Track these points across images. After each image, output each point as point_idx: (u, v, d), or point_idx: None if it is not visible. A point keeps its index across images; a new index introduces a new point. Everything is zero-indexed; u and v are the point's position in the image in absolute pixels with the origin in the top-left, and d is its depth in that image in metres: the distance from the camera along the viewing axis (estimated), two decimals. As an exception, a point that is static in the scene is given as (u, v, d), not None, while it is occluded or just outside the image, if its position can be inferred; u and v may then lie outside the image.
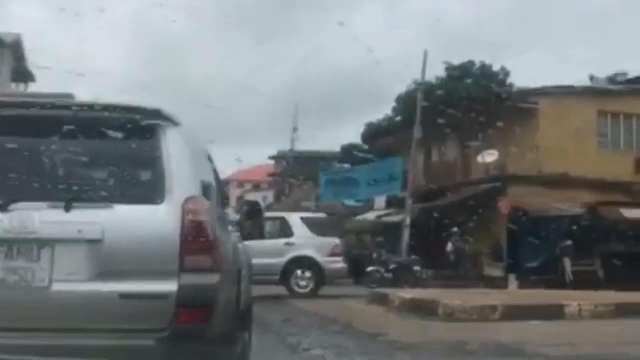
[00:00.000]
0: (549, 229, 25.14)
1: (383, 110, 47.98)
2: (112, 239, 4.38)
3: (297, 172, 51.12)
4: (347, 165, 44.32)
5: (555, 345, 9.22)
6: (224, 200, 6.77)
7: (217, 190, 5.85)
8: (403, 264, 24.85)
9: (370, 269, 25.76)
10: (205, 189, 4.90)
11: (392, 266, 25.04)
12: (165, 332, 4.35)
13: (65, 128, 4.57)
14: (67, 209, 4.40)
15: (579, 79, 33.01)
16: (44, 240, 4.39)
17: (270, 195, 62.58)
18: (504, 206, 26.67)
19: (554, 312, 13.02)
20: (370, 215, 38.06)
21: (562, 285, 22.98)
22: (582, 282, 22.65)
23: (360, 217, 39.32)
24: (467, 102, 31.96)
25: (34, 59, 49.61)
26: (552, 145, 26.87)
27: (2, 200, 4.37)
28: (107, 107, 4.71)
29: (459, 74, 40.64)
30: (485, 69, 42.30)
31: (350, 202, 42.00)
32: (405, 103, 41.80)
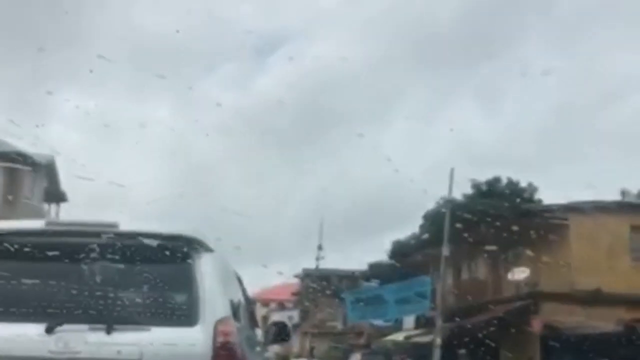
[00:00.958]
0: (584, 347, 24.23)
1: (410, 228, 47.80)
2: (152, 358, 4.79)
3: (323, 290, 50.56)
4: (374, 283, 43.78)
5: None
6: (253, 321, 7.11)
7: (246, 311, 6.40)
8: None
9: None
10: (235, 311, 5.38)
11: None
12: None
13: (109, 254, 5.01)
14: (108, 331, 4.80)
15: (609, 193, 32.72)
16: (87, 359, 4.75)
17: (295, 315, 61.70)
18: (536, 324, 25.94)
19: None
20: (399, 336, 37.24)
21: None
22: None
23: (389, 338, 38.50)
24: (496, 219, 31.67)
25: (69, 175, 50.25)
26: (584, 261, 26.35)
27: (49, 323, 4.77)
28: (147, 235, 5.15)
29: (485, 191, 40.70)
30: (512, 185, 42.36)
31: (379, 322, 41.29)
32: (432, 220, 41.68)
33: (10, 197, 41.95)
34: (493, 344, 27.85)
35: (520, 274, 28.38)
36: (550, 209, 28.13)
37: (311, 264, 52.56)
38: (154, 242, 5.12)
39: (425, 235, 43.65)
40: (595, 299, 26.07)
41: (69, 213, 62.40)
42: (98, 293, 4.95)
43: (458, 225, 29.49)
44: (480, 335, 27.23)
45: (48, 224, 5.33)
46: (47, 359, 4.76)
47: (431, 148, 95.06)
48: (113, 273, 5.03)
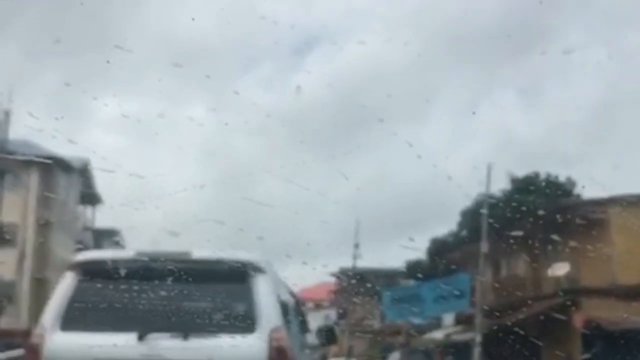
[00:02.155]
0: (628, 343, 23.73)
1: (448, 226, 47.31)
2: None
3: (360, 289, 50.32)
4: (412, 282, 43.46)
5: None
6: (304, 327, 8.49)
7: (296, 319, 7.71)
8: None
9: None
10: (286, 320, 6.71)
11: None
12: None
13: (184, 276, 6.41)
14: (185, 338, 6.23)
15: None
16: None
17: (332, 314, 61.50)
18: (578, 321, 25.49)
19: None
20: (438, 334, 36.86)
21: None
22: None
23: (428, 336, 38.14)
24: (534, 214, 31.27)
25: (105, 177, 50.61)
26: (626, 256, 25.85)
27: (140, 332, 6.19)
28: (214, 261, 6.62)
29: (524, 186, 40.19)
30: (551, 180, 41.78)
31: (417, 320, 40.94)
32: (471, 217, 41.24)
33: (46, 200, 42.42)
34: (534, 341, 27.45)
35: (560, 269, 27.94)
36: (590, 202, 27.62)
37: (348, 263, 52.25)
38: (219, 267, 6.59)
39: (463, 233, 43.29)
40: (637, 293, 25.59)
41: (104, 215, 62.93)
42: (176, 308, 6.40)
43: (496, 221, 29.19)
44: (520, 332, 26.88)
45: (137, 254, 6.69)
46: None
47: (470, 144, 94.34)
48: (188, 292, 6.49)
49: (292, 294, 7.82)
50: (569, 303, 26.57)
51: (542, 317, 25.98)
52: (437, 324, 38.95)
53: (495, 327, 27.69)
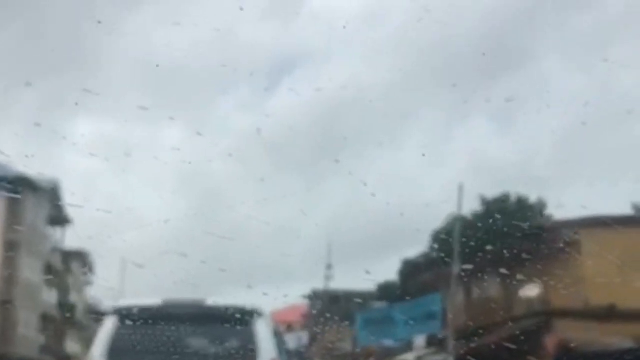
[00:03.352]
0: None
1: (419, 247, 47.22)
2: None
3: (332, 311, 49.95)
4: (383, 304, 43.23)
5: None
6: (287, 355, 9.96)
7: (283, 350, 9.31)
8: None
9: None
10: (279, 352, 8.32)
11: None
12: None
13: (201, 319, 8.12)
14: None
15: (620, 209, 32.15)
16: None
17: (304, 337, 61.03)
18: (550, 343, 25.36)
19: None
20: (410, 356, 36.61)
21: None
22: None
23: (399, 358, 37.86)
24: (506, 236, 31.23)
25: (71, 201, 50.05)
26: (598, 277, 25.74)
27: None
28: (224, 308, 8.29)
29: (494, 209, 40.21)
30: (522, 202, 41.85)
31: (389, 342, 40.67)
32: (442, 239, 41.16)
33: (14, 225, 41.75)
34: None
35: (531, 291, 27.80)
36: (561, 224, 27.57)
37: (320, 285, 52.00)
38: (228, 312, 8.23)
39: (435, 254, 43.18)
40: (610, 315, 25.54)
41: (73, 238, 62.24)
42: (195, 344, 8.07)
43: (468, 242, 29.10)
44: (492, 355, 26.71)
45: (164, 302, 8.36)
46: None
47: (442, 167, 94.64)
48: (204, 331, 8.24)
49: (277, 332, 9.58)
50: (540, 325, 26.48)
51: (514, 340, 25.77)
52: (407, 347, 38.74)
53: (467, 350, 27.51)
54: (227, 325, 8.32)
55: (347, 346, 52.93)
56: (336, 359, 51.30)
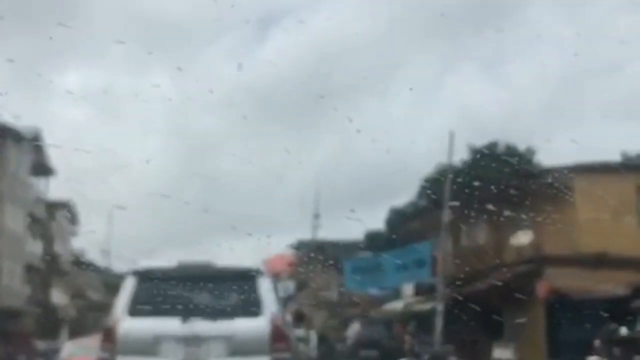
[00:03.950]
0: (592, 312, 23.40)
1: (408, 197, 46.83)
2: (238, 335, 9.02)
3: (319, 261, 49.74)
4: (370, 253, 42.93)
5: None
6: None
7: (284, 306, 10.97)
8: (437, 354, 23.32)
9: (401, 360, 24.32)
10: (280, 307, 9.74)
11: (425, 357, 23.55)
12: None
13: (211, 278, 9.34)
14: (215, 320, 9.03)
15: (609, 157, 31.74)
16: (204, 336, 9.01)
17: (291, 285, 60.81)
18: (541, 289, 25.14)
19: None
20: (398, 304, 36.48)
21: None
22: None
23: (388, 306, 37.74)
24: (496, 182, 30.87)
25: (54, 148, 49.32)
26: (590, 224, 25.51)
27: (183, 317, 9.02)
28: (231, 268, 9.60)
29: (483, 156, 39.78)
30: (511, 149, 41.46)
31: (374, 291, 40.49)
32: (430, 187, 40.80)
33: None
34: (496, 310, 27.11)
35: (523, 237, 27.49)
36: (554, 170, 27.11)
37: (308, 236, 51.69)
38: (235, 272, 9.57)
39: (423, 202, 42.86)
40: (601, 261, 25.31)
41: (58, 188, 61.54)
42: (207, 301, 9.28)
43: (457, 190, 28.68)
44: (483, 301, 26.53)
45: (179, 264, 9.56)
46: (184, 336, 9.02)
47: (431, 117, 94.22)
48: (214, 289, 9.37)
49: (276, 288, 10.38)
50: (531, 272, 26.23)
51: (505, 286, 25.57)
52: (395, 295, 38.60)
53: (456, 297, 27.25)
54: (234, 284, 9.53)
55: (333, 294, 52.93)
56: (323, 307, 51.30)
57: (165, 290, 9.39)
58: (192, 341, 9.08)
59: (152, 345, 9.08)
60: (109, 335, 9.21)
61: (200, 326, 9.07)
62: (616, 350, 21.89)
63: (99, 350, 9.42)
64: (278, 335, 9.19)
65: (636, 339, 21.35)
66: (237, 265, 9.83)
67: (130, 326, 9.15)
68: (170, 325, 9.09)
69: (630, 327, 21.65)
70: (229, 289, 9.48)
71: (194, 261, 9.64)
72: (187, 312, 9.15)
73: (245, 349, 9.03)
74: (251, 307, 9.25)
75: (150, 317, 9.20)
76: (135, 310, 9.28)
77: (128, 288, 9.52)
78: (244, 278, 9.49)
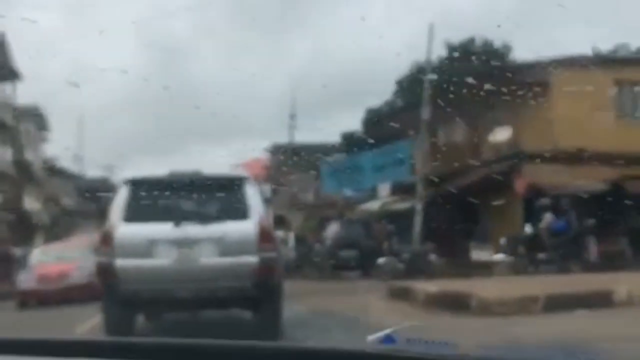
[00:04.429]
0: (569, 207, 23.46)
1: (384, 96, 46.30)
2: (227, 237, 9.69)
3: (295, 164, 49.49)
4: (345, 155, 42.67)
5: (613, 339, 7.72)
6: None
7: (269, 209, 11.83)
8: (417, 253, 23.33)
9: (381, 259, 24.30)
10: (266, 211, 10.32)
11: (404, 256, 23.56)
12: (253, 280, 9.60)
13: (202, 186, 9.97)
14: (205, 223, 9.74)
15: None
16: (196, 239, 9.68)
17: (267, 189, 60.78)
18: (519, 185, 25.05)
19: (601, 299, 11.51)
20: (374, 204, 36.41)
21: (587, 267, 21.42)
22: (609, 262, 21.18)
23: (364, 207, 37.68)
24: (473, 80, 30.41)
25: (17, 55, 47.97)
26: (567, 120, 25.28)
27: (175, 221, 9.73)
28: (219, 176, 10.37)
29: (460, 53, 39.28)
30: (487, 46, 40.95)
31: (349, 192, 40.37)
32: (407, 85, 40.37)
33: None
34: (474, 208, 27.10)
35: (501, 134, 27.27)
36: (530, 65, 26.69)
37: (284, 139, 51.27)
38: (223, 180, 10.24)
39: (399, 102, 42.47)
40: (579, 157, 25.22)
41: (24, 93, 60.07)
42: (197, 206, 9.90)
43: (433, 88, 28.28)
44: (461, 199, 26.47)
45: (170, 173, 10.07)
46: (177, 239, 9.69)
47: (406, 18, 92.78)
48: (204, 195, 10.01)
49: (262, 192, 11.19)
50: (510, 168, 26.12)
51: (482, 183, 25.51)
52: (371, 196, 38.53)
53: (433, 196, 27.16)
54: (222, 190, 10.16)
55: (309, 197, 52.95)
56: (300, 209, 51.35)
57: (157, 198, 10.04)
58: (185, 243, 9.73)
59: (147, 247, 9.74)
60: (106, 240, 9.86)
61: (192, 229, 9.71)
62: (521, 249, 22.11)
63: (97, 253, 10.21)
64: (265, 236, 9.85)
65: (540, 237, 21.53)
66: (225, 173, 10.95)
67: (126, 231, 9.78)
68: (164, 229, 9.72)
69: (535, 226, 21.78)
70: (218, 195, 10.13)
71: (184, 171, 10.21)
72: (179, 216, 9.80)
73: (234, 249, 9.71)
74: (239, 211, 9.85)
75: (144, 223, 9.80)
76: (130, 216, 9.87)
77: (122, 196, 10.08)
78: (232, 184, 10.16)
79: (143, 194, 10.03)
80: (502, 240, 22.92)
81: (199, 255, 9.73)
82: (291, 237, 32.46)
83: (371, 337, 2.63)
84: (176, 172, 10.16)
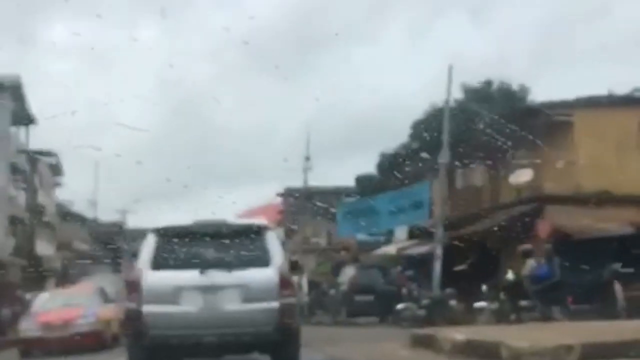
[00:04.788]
0: (595, 252, 22.60)
1: (397, 142, 45.72)
2: (250, 283, 10.19)
3: (308, 208, 48.86)
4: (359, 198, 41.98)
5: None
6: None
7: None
8: (437, 298, 22.54)
9: (400, 305, 23.55)
10: (284, 258, 10.79)
11: (424, 301, 22.80)
12: (275, 325, 10.08)
13: (224, 234, 10.52)
14: (230, 271, 10.21)
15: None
16: (220, 285, 10.16)
17: (280, 233, 60.17)
18: (542, 229, 24.26)
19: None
20: (391, 249, 35.68)
21: (613, 314, 20.55)
22: (637, 308, 20.33)
23: (380, 251, 36.98)
24: (491, 121, 29.93)
25: (36, 102, 47.79)
26: (591, 161, 24.62)
27: (201, 269, 10.20)
28: (242, 225, 10.99)
29: (477, 96, 38.84)
30: (504, 89, 40.50)
31: (363, 236, 39.68)
32: (422, 129, 39.84)
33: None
34: (494, 253, 26.37)
35: (522, 176, 26.54)
36: (553, 105, 26.08)
37: (297, 183, 50.62)
38: (245, 228, 10.78)
39: (415, 145, 41.92)
40: (604, 200, 24.46)
41: (38, 137, 59.91)
42: (221, 254, 10.36)
43: (452, 130, 27.69)
44: (481, 244, 25.76)
45: (195, 222, 10.61)
46: (202, 286, 10.12)
47: (421, 62, 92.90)
48: (227, 244, 10.43)
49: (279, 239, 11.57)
50: (532, 211, 25.35)
51: (503, 228, 24.79)
52: (388, 240, 37.81)
53: (453, 240, 26.44)
54: (245, 238, 10.60)
55: (322, 241, 52.34)
56: (313, 253, 50.69)
57: (183, 246, 10.50)
58: (210, 290, 10.14)
59: (174, 294, 10.12)
60: (134, 287, 10.32)
61: (217, 276, 10.14)
62: (502, 295, 21.30)
63: (126, 301, 10.74)
64: (285, 283, 10.34)
65: (521, 283, 20.75)
66: (247, 221, 11.57)
67: (154, 278, 10.20)
68: (190, 276, 10.13)
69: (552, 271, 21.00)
70: (241, 243, 10.52)
71: (208, 220, 10.76)
72: (204, 264, 10.22)
73: (257, 295, 10.14)
74: (261, 259, 10.32)
75: (171, 270, 10.27)
76: (157, 264, 10.31)
77: (149, 244, 10.53)
78: (254, 233, 10.66)
79: (169, 242, 10.54)
80: (484, 287, 22.22)
81: (223, 301, 10.15)
82: (304, 281, 31.73)
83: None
84: (200, 221, 10.66)
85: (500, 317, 20.36)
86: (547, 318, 19.09)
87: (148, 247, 10.51)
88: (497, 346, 10.96)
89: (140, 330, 10.07)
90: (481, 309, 21.30)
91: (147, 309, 10.05)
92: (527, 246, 21.95)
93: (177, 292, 10.11)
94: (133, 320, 10.23)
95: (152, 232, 10.69)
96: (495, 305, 21.08)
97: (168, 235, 10.57)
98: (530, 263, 20.93)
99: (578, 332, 12.12)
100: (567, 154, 25.13)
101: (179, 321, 10.07)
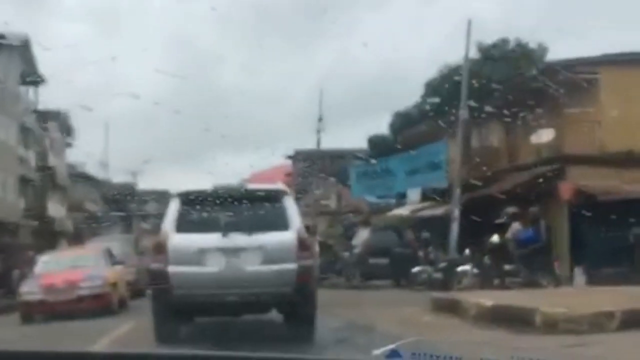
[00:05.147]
0: (620, 214, 21.79)
1: (410, 102, 44.71)
2: (269, 246, 10.63)
3: (319, 170, 48.04)
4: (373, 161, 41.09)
5: None
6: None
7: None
8: (454, 261, 21.85)
9: (415, 268, 22.90)
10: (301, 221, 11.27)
11: (441, 265, 22.14)
12: (293, 286, 10.54)
13: (246, 199, 11.03)
14: (250, 234, 10.66)
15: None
16: (241, 248, 10.64)
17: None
18: (565, 191, 23.47)
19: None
20: (404, 210, 34.93)
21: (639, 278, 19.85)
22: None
23: (392, 213, 36.23)
24: (511, 79, 29.04)
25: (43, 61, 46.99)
26: (616, 120, 23.73)
27: (224, 232, 10.64)
28: (261, 189, 11.58)
29: (493, 55, 37.81)
30: (522, 47, 39.40)
31: (373, 199, 38.95)
32: (435, 89, 38.89)
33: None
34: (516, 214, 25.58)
35: (544, 135, 25.70)
36: (577, 62, 25.09)
37: (308, 146, 49.77)
38: (265, 193, 11.33)
39: (428, 105, 40.96)
40: (629, 160, 23.69)
41: (48, 96, 59.25)
42: (242, 217, 10.85)
43: (469, 89, 26.78)
44: (499, 206, 24.95)
45: (215, 187, 10.98)
46: (224, 248, 10.58)
47: (434, 23, 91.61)
48: (247, 208, 10.98)
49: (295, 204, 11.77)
50: (554, 172, 24.53)
51: (524, 188, 23.98)
52: (397, 203, 37.09)
53: (471, 201, 25.65)
54: (264, 202, 11.08)
55: (332, 203, 51.67)
56: (323, 216, 49.99)
57: (205, 210, 10.87)
58: (232, 252, 10.55)
59: (198, 256, 10.55)
60: (160, 249, 10.75)
61: (238, 239, 10.53)
62: (486, 259, 20.62)
63: (152, 261, 11.18)
64: (303, 245, 10.74)
65: (506, 247, 20.03)
66: (266, 186, 11.97)
67: (178, 240, 10.63)
68: (213, 238, 10.55)
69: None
70: (261, 207, 11.02)
71: (227, 184, 11.43)
72: (226, 227, 10.60)
73: (276, 257, 10.55)
74: (280, 222, 10.69)
75: (194, 233, 10.69)
76: (181, 227, 10.75)
77: (173, 208, 10.98)
78: (273, 197, 11.09)
79: (192, 206, 10.93)
80: (467, 251, 21.52)
81: (244, 262, 10.57)
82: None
83: (376, 352, 2.95)
84: (220, 185, 11.13)
85: (483, 282, 19.72)
86: (531, 283, 18.39)
87: (172, 211, 10.95)
88: (530, 312, 10.32)
89: (166, 290, 10.51)
90: (464, 273, 20.67)
91: (172, 269, 10.51)
92: (512, 208, 21.14)
93: (201, 253, 10.54)
94: (158, 280, 10.68)
95: (176, 196, 11.18)
96: (478, 269, 20.46)
97: (191, 200, 10.95)
98: (515, 226, 20.17)
99: (615, 298, 11.45)
100: (591, 113, 24.26)
101: (202, 281, 10.52)
